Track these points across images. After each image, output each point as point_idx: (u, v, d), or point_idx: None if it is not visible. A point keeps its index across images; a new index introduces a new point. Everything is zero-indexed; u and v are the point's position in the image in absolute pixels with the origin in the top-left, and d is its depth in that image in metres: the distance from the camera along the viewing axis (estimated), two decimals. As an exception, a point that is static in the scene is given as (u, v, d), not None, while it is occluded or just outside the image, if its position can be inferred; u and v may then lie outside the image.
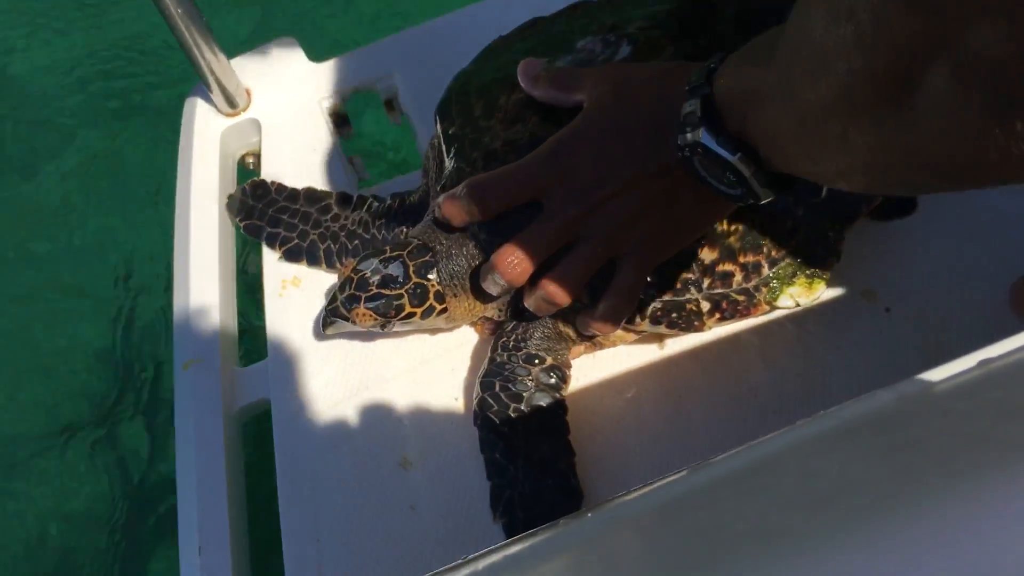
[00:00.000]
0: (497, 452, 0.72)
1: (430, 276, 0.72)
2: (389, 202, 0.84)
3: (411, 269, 0.72)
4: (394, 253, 0.73)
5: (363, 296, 0.71)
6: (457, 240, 0.73)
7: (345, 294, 0.72)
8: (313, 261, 0.84)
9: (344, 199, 0.86)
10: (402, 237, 0.77)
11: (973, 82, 0.32)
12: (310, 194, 0.87)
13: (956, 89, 0.33)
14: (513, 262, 0.66)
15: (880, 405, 0.39)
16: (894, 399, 0.39)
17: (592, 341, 0.76)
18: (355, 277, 0.72)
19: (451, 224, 0.71)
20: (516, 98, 0.74)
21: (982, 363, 0.42)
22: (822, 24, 0.39)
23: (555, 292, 0.66)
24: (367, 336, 0.81)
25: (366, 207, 0.84)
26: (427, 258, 0.72)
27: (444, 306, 0.73)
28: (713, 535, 0.29)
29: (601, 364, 0.78)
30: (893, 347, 0.74)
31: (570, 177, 0.65)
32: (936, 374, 0.42)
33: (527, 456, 0.72)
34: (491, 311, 0.77)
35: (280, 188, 0.88)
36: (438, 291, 0.72)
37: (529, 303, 0.69)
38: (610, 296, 0.68)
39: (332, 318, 0.74)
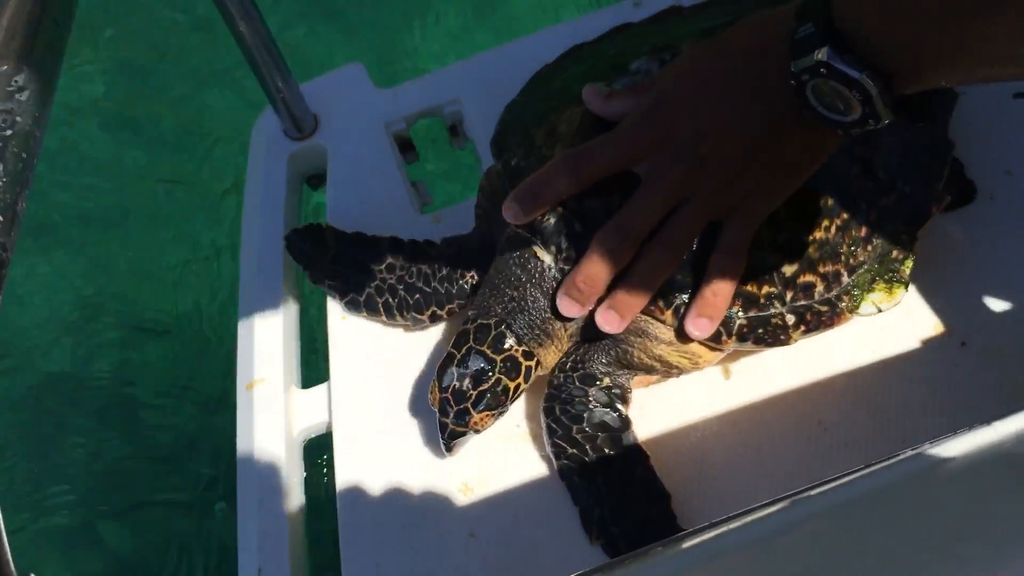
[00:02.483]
0: (575, 475, 0.71)
1: (507, 344, 0.71)
2: (445, 250, 0.82)
3: (488, 351, 0.70)
4: (463, 350, 0.71)
5: (468, 405, 0.70)
6: (530, 280, 0.72)
7: (452, 415, 0.70)
8: (372, 312, 0.82)
9: (395, 245, 0.84)
10: (462, 324, 0.74)
11: None
12: (358, 239, 0.85)
13: None
14: (626, 225, 0.65)
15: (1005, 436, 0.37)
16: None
17: (673, 368, 0.73)
18: (448, 396, 0.70)
19: (539, 206, 0.68)
20: (577, 124, 0.73)
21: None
22: None
23: (660, 256, 0.65)
24: (430, 361, 0.81)
25: (423, 255, 0.82)
26: (494, 332, 0.71)
27: (535, 359, 0.72)
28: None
29: (665, 396, 0.76)
30: (968, 383, 0.72)
31: (669, 137, 0.64)
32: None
33: (604, 471, 0.70)
34: (577, 338, 0.75)
35: (334, 233, 0.87)
36: (525, 351, 0.71)
37: (632, 278, 0.67)
38: (720, 256, 0.67)
39: (452, 441, 0.71)
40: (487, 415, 0.70)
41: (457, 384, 0.70)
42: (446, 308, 0.79)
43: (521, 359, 0.71)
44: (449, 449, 0.72)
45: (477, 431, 0.71)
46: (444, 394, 0.71)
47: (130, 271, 1.71)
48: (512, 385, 0.71)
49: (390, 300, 0.81)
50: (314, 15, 1.95)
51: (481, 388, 0.70)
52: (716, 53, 0.65)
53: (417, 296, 0.80)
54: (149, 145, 1.89)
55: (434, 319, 0.80)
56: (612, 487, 0.70)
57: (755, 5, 0.82)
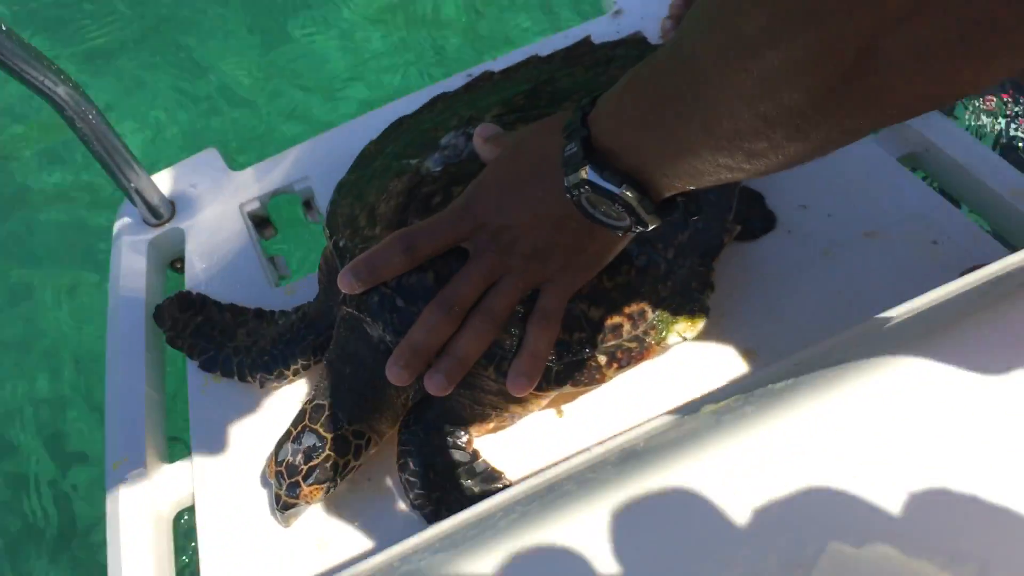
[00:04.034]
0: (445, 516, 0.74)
1: (339, 424, 0.76)
2: (293, 317, 0.88)
3: (321, 430, 0.76)
4: (299, 428, 0.77)
5: (299, 479, 0.75)
6: (362, 354, 0.77)
7: (284, 487, 0.75)
8: (226, 372, 0.87)
9: (259, 314, 0.90)
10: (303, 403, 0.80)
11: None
12: (231, 308, 0.91)
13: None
14: (451, 298, 0.71)
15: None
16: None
17: (504, 413, 0.79)
18: (282, 469, 0.76)
19: (374, 278, 0.74)
20: (394, 204, 0.80)
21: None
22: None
23: (482, 325, 0.72)
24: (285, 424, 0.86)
25: (276, 323, 0.88)
26: (327, 413, 0.76)
27: (367, 437, 0.77)
28: None
29: (502, 441, 0.81)
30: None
31: (482, 226, 0.72)
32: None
33: (469, 504, 0.72)
34: (411, 405, 0.79)
35: (204, 300, 0.92)
36: (355, 430, 0.76)
37: (457, 345, 0.72)
38: (535, 321, 0.73)
39: (286, 511, 0.76)
40: (316, 489, 0.75)
41: (291, 459, 0.75)
42: (291, 368, 0.85)
43: (351, 438, 0.76)
44: (285, 521, 0.77)
45: (308, 503, 0.76)
46: (279, 467, 0.76)
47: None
48: (341, 462, 0.75)
49: (244, 360, 0.86)
50: (168, 103, 2.02)
51: (311, 464, 0.75)
52: (514, 155, 0.73)
53: (265, 358, 0.85)
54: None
55: (280, 378, 0.85)
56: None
57: (546, 75, 0.90)
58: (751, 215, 0.89)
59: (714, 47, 0.47)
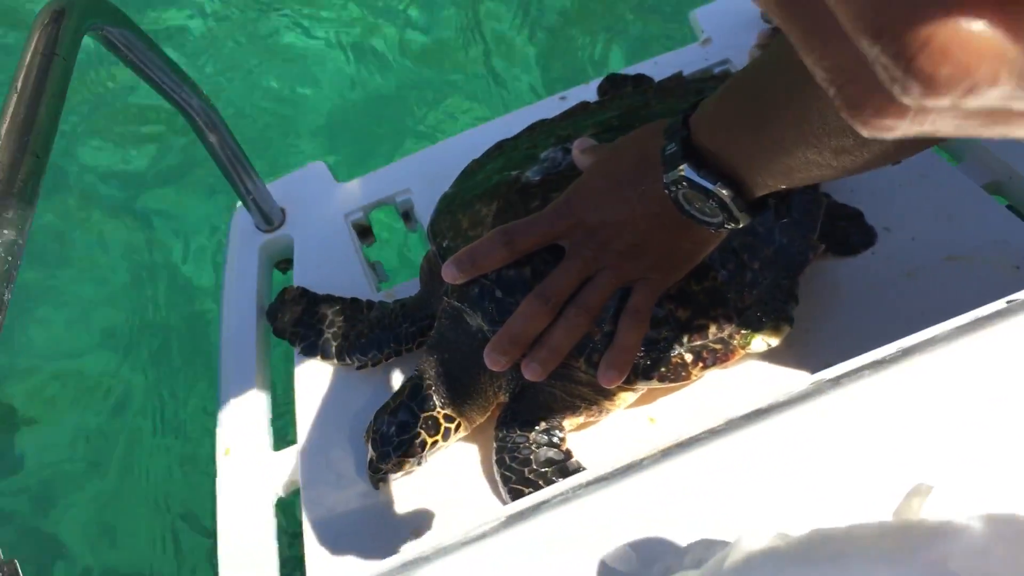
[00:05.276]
0: None
1: (432, 405, 0.81)
2: (392, 307, 0.94)
3: (415, 408, 0.81)
4: (397, 403, 0.82)
5: (390, 449, 0.80)
6: (461, 341, 0.82)
7: (377, 454, 0.81)
8: (326, 356, 0.94)
9: (355, 303, 0.96)
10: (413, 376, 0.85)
11: None
12: (329, 299, 0.98)
13: None
14: (549, 291, 0.76)
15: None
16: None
17: (593, 406, 0.82)
18: (377, 438, 0.82)
19: (475, 270, 0.79)
20: (494, 208, 0.85)
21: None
22: None
23: (576, 317, 0.76)
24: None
25: (374, 311, 0.95)
26: (424, 393, 0.82)
27: (457, 422, 0.82)
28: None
29: (596, 449, 0.84)
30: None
31: (580, 223, 0.77)
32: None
33: None
34: (502, 396, 0.84)
35: (304, 293, 0.99)
36: (446, 414, 0.82)
37: (552, 336, 0.77)
38: (626, 316, 0.77)
39: (376, 476, 0.82)
40: (404, 461, 0.81)
41: (385, 429, 0.81)
42: (385, 352, 0.91)
43: (441, 420, 0.82)
44: (374, 481, 0.83)
45: (395, 472, 0.82)
46: (375, 435, 0.82)
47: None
48: (430, 441, 0.81)
49: (342, 344, 0.93)
50: (285, 122, 2.13)
51: (403, 437, 0.80)
52: (615, 158, 0.78)
53: (362, 340, 0.92)
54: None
55: (375, 362, 0.92)
56: None
57: (640, 102, 0.95)
58: (851, 230, 0.93)
59: None
